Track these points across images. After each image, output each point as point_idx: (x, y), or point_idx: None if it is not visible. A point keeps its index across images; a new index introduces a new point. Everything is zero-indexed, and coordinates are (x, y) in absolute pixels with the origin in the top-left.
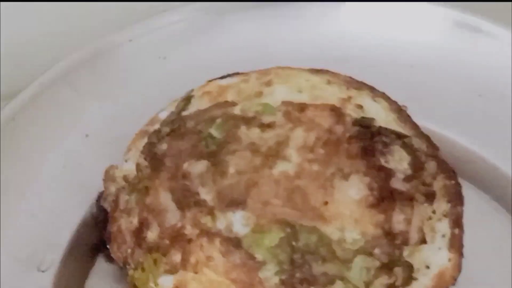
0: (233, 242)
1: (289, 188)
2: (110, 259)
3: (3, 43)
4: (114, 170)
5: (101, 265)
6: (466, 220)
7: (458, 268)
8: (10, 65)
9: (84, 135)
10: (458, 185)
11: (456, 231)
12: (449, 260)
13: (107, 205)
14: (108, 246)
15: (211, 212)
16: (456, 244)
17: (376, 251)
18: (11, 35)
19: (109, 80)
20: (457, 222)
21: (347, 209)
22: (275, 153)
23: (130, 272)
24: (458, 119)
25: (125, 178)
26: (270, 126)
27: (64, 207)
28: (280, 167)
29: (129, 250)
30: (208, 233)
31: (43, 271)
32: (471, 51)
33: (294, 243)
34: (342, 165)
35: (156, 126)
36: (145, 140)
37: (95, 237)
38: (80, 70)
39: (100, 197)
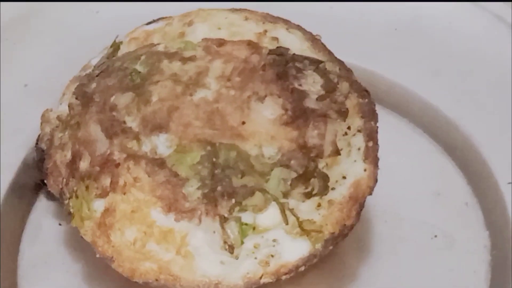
0: (158, 162)
1: (208, 111)
2: (50, 196)
3: None
4: (49, 113)
5: (42, 202)
6: (385, 141)
7: (374, 178)
8: None
9: (23, 85)
10: (371, 103)
11: (370, 144)
12: (365, 170)
13: (43, 145)
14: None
15: (136, 137)
16: (371, 156)
17: (292, 163)
18: None
19: (46, 34)
20: (371, 136)
21: (263, 128)
22: (195, 82)
23: (66, 201)
24: (375, 52)
25: (58, 118)
26: (191, 59)
27: (5, 150)
28: (200, 94)
29: (64, 181)
30: (135, 156)
31: None
32: None
33: (214, 159)
34: (258, 89)
35: (88, 71)
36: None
37: (36, 177)
38: (17, 25)
39: (38, 139)
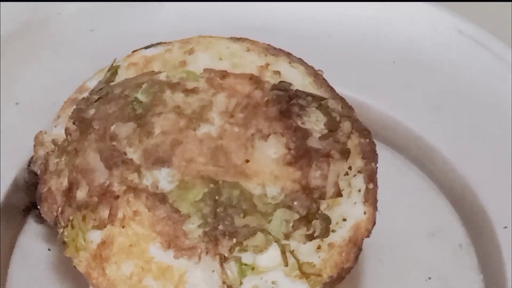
0: (159, 197)
1: (212, 147)
2: (40, 219)
3: None
4: (43, 135)
5: (31, 225)
6: (381, 178)
7: (373, 221)
8: None
9: (14, 103)
10: (372, 143)
11: (371, 186)
12: (364, 213)
13: (36, 168)
14: (38, 207)
15: (137, 170)
16: (370, 198)
17: (295, 204)
18: None
19: (39, 51)
20: (371, 178)
21: (266, 167)
22: (198, 116)
23: (60, 230)
24: (373, 85)
25: (54, 141)
26: (194, 91)
27: None
28: (204, 129)
29: (59, 209)
30: (135, 189)
31: None
32: (386, 21)
33: (217, 197)
34: (261, 127)
35: (85, 94)
36: (74, 107)
37: (26, 200)
38: (11, 41)
39: (30, 161)
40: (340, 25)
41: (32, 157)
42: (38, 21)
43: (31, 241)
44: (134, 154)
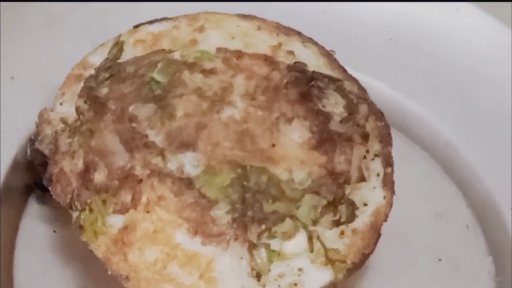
0: (185, 182)
1: (237, 131)
2: (42, 200)
3: None
4: (49, 113)
5: (33, 206)
6: None
7: (390, 205)
8: None
9: (9, 77)
10: (387, 126)
11: (389, 170)
12: (384, 197)
13: (43, 148)
14: (42, 188)
15: (161, 154)
16: (389, 183)
17: (322, 190)
18: None
19: (32, 25)
20: (388, 162)
21: (292, 152)
22: (220, 99)
23: (75, 213)
24: (371, 63)
25: (63, 120)
26: (212, 72)
27: None
28: (227, 112)
29: (75, 192)
30: (160, 174)
31: None
32: None
33: (245, 183)
34: (284, 110)
35: (90, 71)
36: (81, 84)
37: (26, 179)
38: (4, 15)
39: (34, 139)
40: (336, 1)
41: (35, 135)
42: None
43: (35, 224)
44: (156, 137)
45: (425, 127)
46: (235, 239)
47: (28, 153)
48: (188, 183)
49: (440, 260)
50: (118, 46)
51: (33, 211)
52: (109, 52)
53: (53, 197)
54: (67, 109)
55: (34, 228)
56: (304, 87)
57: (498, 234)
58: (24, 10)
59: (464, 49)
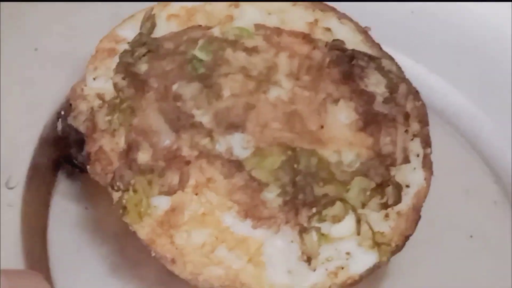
0: (235, 165)
1: (286, 112)
2: (70, 175)
3: None
4: (83, 88)
5: (62, 183)
6: None
7: (429, 186)
8: None
9: (33, 48)
10: (424, 106)
11: (428, 150)
12: (425, 179)
13: (78, 124)
14: (71, 164)
15: (209, 134)
16: (428, 164)
17: (371, 172)
18: None
19: None
20: (427, 142)
21: (340, 133)
22: (266, 78)
23: (117, 194)
24: (394, 36)
25: (100, 96)
26: (255, 50)
27: (22, 123)
28: (274, 93)
29: (116, 172)
30: (208, 155)
31: (11, 188)
32: None
33: (295, 165)
34: (330, 90)
35: (123, 46)
36: (114, 59)
37: (54, 155)
38: None
39: (66, 115)
40: None
41: (65, 110)
42: None
43: (66, 201)
44: (203, 117)
45: (449, 102)
46: (286, 223)
47: (59, 128)
48: (238, 165)
49: (471, 236)
50: (151, 20)
51: (63, 187)
52: (141, 26)
53: (91, 176)
54: (102, 85)
55: (65, 205)
56: (346, 66)
57: None
58: None
59: (487, 22)
